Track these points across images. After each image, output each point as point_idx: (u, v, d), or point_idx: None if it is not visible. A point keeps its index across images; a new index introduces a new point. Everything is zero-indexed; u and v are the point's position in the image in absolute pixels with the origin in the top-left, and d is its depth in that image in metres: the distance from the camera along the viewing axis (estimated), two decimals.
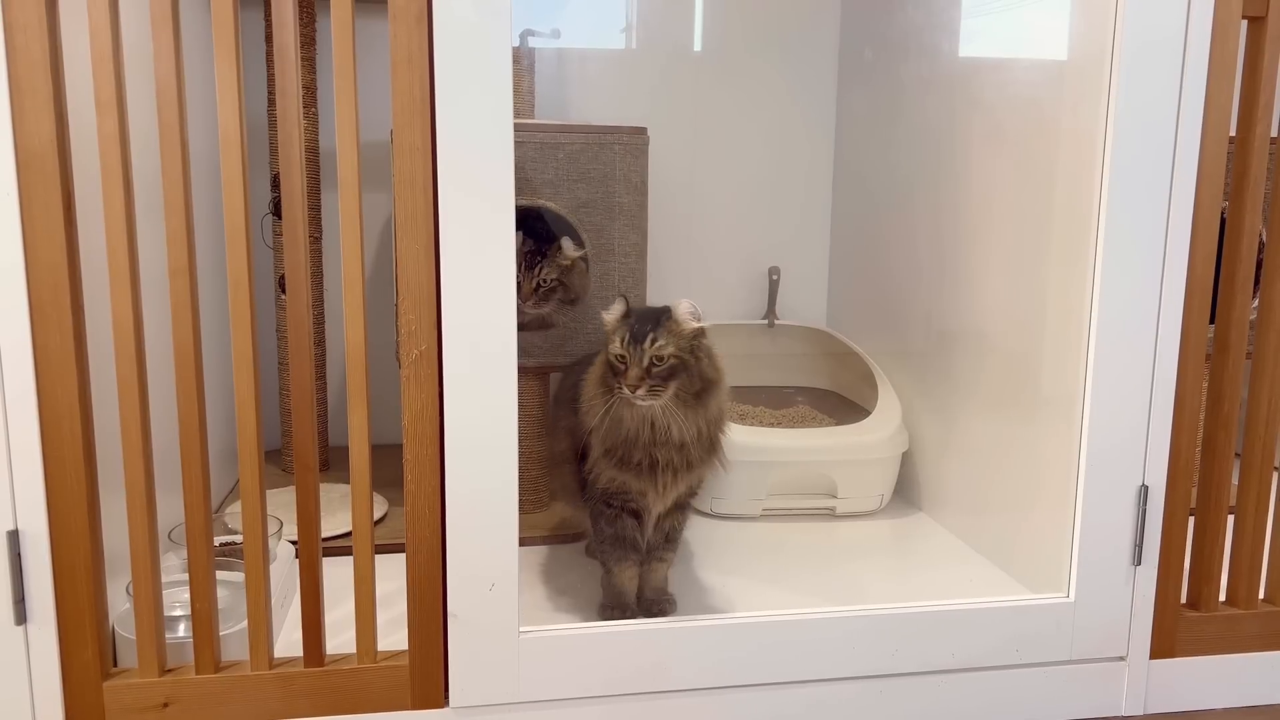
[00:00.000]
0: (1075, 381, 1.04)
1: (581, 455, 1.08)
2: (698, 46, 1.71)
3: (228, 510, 1.34)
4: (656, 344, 0.98)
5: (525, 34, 1.54)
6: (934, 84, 1.39)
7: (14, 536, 0.85)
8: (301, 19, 1.38)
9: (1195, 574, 1.09)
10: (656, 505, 1.05)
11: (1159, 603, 1.06)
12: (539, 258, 1.26)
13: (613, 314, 1.02)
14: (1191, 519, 1.07)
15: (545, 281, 1.26)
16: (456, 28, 0.83)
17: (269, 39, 1.42)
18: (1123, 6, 0.96)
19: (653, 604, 1.09)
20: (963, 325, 1.32)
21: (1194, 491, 1.07)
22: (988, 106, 1.25)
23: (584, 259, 1.30)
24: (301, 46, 1.24)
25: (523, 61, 1.47)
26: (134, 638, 0.90)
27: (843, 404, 1.59)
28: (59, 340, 0.83)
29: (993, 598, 1.05)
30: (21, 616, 0.86)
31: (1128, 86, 0.97)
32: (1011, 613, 1.04)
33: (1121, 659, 1.06)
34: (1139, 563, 1.04)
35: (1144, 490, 1.03)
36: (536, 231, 1.29)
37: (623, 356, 0.98)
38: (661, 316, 1.01)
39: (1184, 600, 1.08)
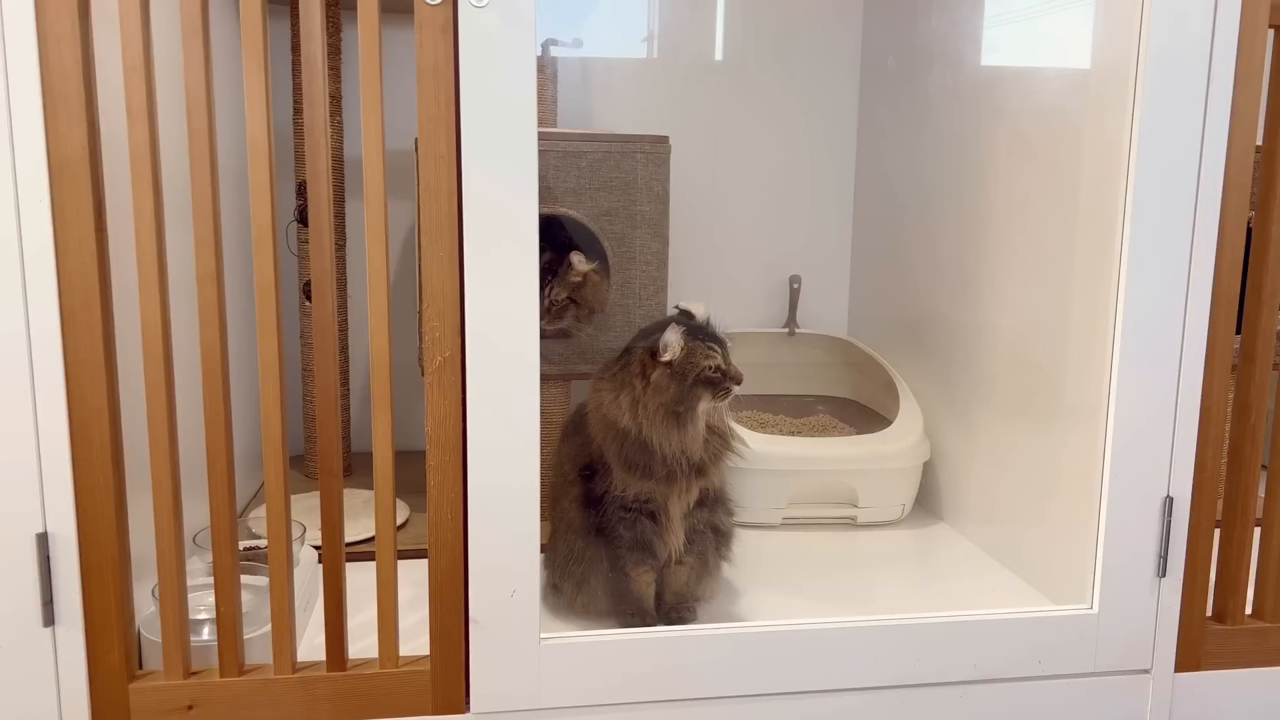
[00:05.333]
0: (1099, 392, 1.03)
1: (587, 474, 1.09)
2: (719, 55, 1.71)
3: (251, 515, 1.36)
4: (730, 344, 1.06)
5: (548, 43, 1.55)
6: (956, 93, 1.39)
7: (43, 539, 0.86)
8: (327, 29, 1.40)
9: (1221, 586, 1.08)
10: (678, 506, 1.07)
11: (1184, 615, 1.05)
12: (549, 276, 1.26)
13: (678, 339, 1.02)
14: (1217, 531, 1.06)
15: (557, 301, 1.27)
16: (482, 37, 0.84)
17: (295, 48, 1.44)
18: (1147, 15, 0.95)
19: (672, 610, 1.09)
20: (985, 334, 1.31)
21: (1220, 503, 1.06)
22: (1011, 115, 1.25)
23: (598, 271, 1.29)
24: (327, 55, 1.26)
25: (546, 70, 1.48)
26: (159, 640, 0.91)
27: (864, 413, 1.59)
28: (89, 345, 0.84)
29: (1015, 608, 1.05)
30: (50, 618, 0.87)
31: (1153, 95, 0.96)
32: (1034, 624, 1.03)
33: (1146, 671, 1.05)
34: (1164, 575, 1.03)
35: (1169, 502, 1.02)
36: (557, 240, 1.30)
37: (720, 367, 1.03)
38: (710, 324, 1.07)
39: (1209, 613, 1.07)
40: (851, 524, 1.41)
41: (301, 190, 1.46)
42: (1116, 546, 1.03)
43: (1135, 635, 1.04)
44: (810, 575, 1.25)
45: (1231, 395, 1.06)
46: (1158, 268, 0.99)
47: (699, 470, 1.05)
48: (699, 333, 1.04)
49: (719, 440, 1.07)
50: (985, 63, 1.33)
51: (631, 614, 1.07)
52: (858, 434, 1.47)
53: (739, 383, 1.04)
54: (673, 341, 1.01)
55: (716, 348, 1.04)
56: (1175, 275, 0.99)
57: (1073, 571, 1.08)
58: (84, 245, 0.83)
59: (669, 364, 1.01)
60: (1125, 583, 1.03)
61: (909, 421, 1.43)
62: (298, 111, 1.45)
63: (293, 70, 1.45)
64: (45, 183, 0.82)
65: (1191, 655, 1.06)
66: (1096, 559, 1.03)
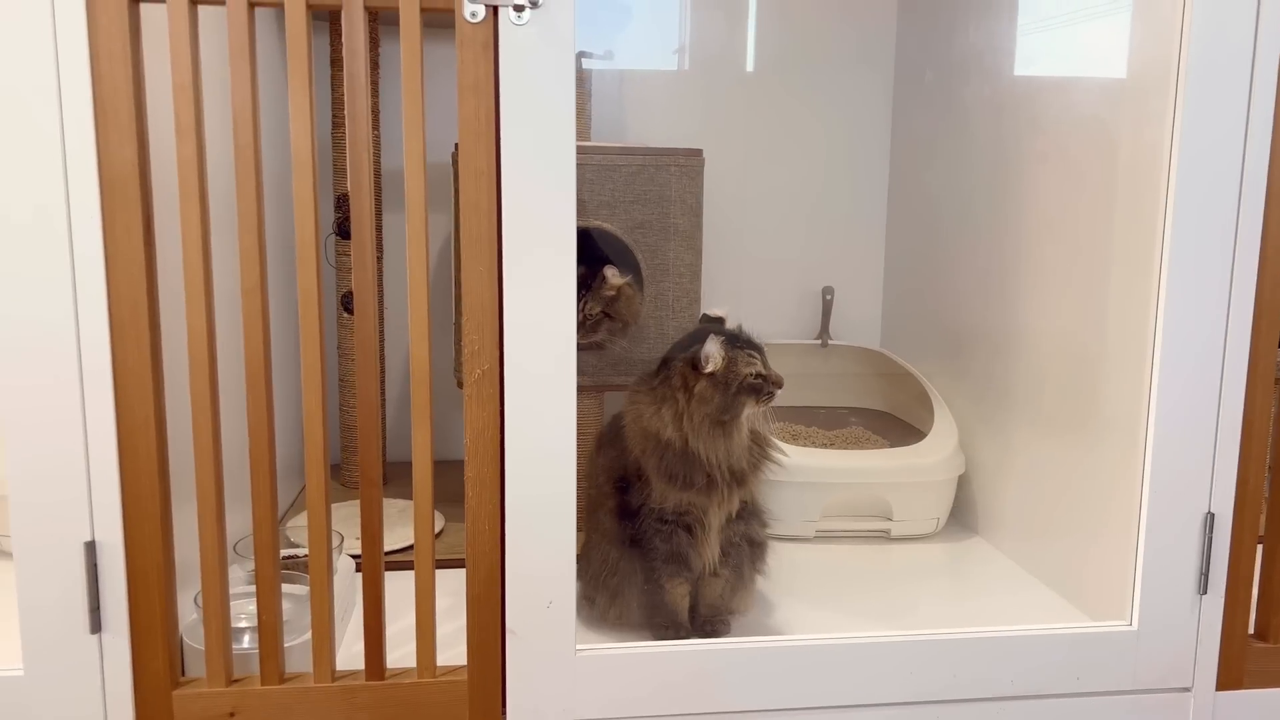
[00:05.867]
0: (1138, 405, 1.02)
1: (622, 486, 1.09)
2: (750, 67, 1.72)
3: (288, 524, 1.37)
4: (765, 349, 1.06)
5: (580, 56, 1.56)
6: (991, 103, 1.39)
7: (91, 547, 0.87)
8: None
9: (1263, 604, 1.07)
10: (718, 517, 1.07)
11: (1225, 633, 1.03)
12: (583, 290, 1.26)
13: (718, 350, 1.02)
14: (1259, 547, 1.05)
15: (591, 315, 1.27)
16: (522, 54, 0.85)
17: (335, 62, 1.46)
18: (1187, 24, 0.95)
19: (706, 623, 1.09)
20: (1022, 346, 1.30)
21: (1262, 519, 1.04)
22: (1047, 125, 1.24)
23: (632, 284, 1.30)
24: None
25: (582, 85, 1.49)
26: (201, 647, 0.93)
27: (897, 425, 1.58)
28: (137, 356, 0.86)
29: (1053, 624, 1.04)
30: (96, 625, 0.88)
31: (1193, 104, 0.95)
32: (1072, 640, 1.02)
33: (1187, 690, 1.04)
34: (1205, 592, 1.02)
35: (1210, 518, 1.01)
36: (591, 253, 1.30)
37: (763, 373, 1.03)
38: (743, 330, 1.08)
39: (1252, 631, 1.06)
40: (885, 537, 1.40)
41: (340, 203, 1.48)
42: (1156, 562, 1.02)
43: (1176, 653, 1.03)
44: (844, 589, 1.24)
45: (1275, 409, 1.04)
46: (1199, 279, 0.98)
47: (739, 479, 1.06)
48: (737, 340, 1.05)
49: (759, 448, 1.08)
50: (1020, 73, 1.33)
51: (665, 626, 1.07)
52: (891, 446, 1.46)
53: (780, 386, 1.04)
54: (714, 353, 1.02)
55: (756, 354, 1.04)
56: (1217, 287, 0.98)
57: (1111, 587, 1.07)
58: (133, 258, 0.85)
59: (711, 375, 1.02)
60: (1165, 599, 1.02)
61: (944, 434, 1.42)
62: (336, 125, 1.47)
63: (331, 84, 1.47)
64: (96, 197, 0.84)
65: (1233, 673, 1.04)
66: (1136, 575, 1.02)
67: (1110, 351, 1.10)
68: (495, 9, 0.85)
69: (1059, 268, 1.21)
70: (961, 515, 1.46)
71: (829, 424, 1.60)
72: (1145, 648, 1.02)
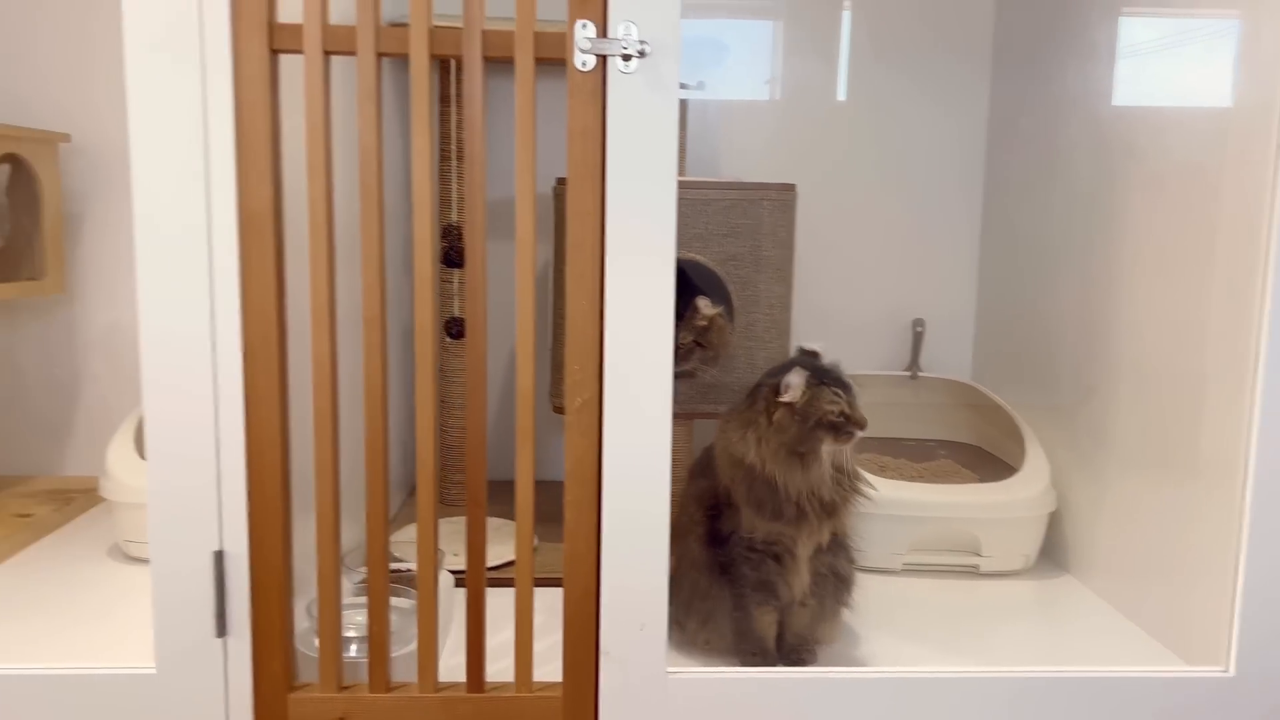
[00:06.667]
0: (1237, 444, 1.01)
1: (713, 513, 1.12)
2: (842, 96, 1.74)
3: (390, 538, 1.43)
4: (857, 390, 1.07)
5: None
6: (1086, 136, 1.38)
7: (219, 556, 0.94)
8: None
9: None
10: (806, 548, 1.09)
11: None
12: (676, 320, 1.29)
13: (800, 381, 1.04)
14: None
15: (683, 345, 1.30)
16: (629, 101, 0.89)
17: (443, 99, 1.53)
18: None
19: (793, 651, 1.11)
20: (1116, 382, 1.29)
21: None
22: (1144, 161, 1.24)
23: (723, 315, 1.33)
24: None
25: (680, 121, 1.53)
26: (312, 654, 0.99)
27: (988, 460, 1.58)
28: (266, 380, 0.93)
29: (1145, 667, 1.03)
30: (222, 629, 0.95)
31: None
32: (1165, 684, 1.01)
33: None
34: None
35: None
36: (684, 284, 1.33)
37: (845, 412, 1.05)
38: (836, 367, 1.09)
39: None
40: (974, 573, 1.40)
41: (446, 232, 1.54)
42: (1255, 607, 1.00)
43: (1275, 701, 1.01)
44: (931, 623, 1.25)
45: None
46: None
47: (829, 511, 1.07)
48: (825, 376, 1.06)
49: (847, 480, 1.09)
50: (1117, 109, 1.32)
51: (753, 653, 1.10)
52: (981, 481, 1.46)
53: (862, 428, 1.05)
54: (794, 384, 1.04)
55: (841, 393, 1.05)
56: None
57: (1208, 632, 1.06)
58: (265, 290, 0.92)
59: (790, 405, 1.04)
60: (1263, 645, 1.01)
61: (1035, 470, 1.41)
62: (444, 158, 1.54)
63: (440, 119, 1.55)
64: (235, 235, 0.91)
65: None
66: (1233, 620, 1.01)
67: (1209, 388, 1.09)
68: (604, 58, 0.89)
69: (1156, 301, 1.20)
70: (1053, 552, 1.45)
71: (918, 456, 1.60)
72: (1242, 694, 1.01)
